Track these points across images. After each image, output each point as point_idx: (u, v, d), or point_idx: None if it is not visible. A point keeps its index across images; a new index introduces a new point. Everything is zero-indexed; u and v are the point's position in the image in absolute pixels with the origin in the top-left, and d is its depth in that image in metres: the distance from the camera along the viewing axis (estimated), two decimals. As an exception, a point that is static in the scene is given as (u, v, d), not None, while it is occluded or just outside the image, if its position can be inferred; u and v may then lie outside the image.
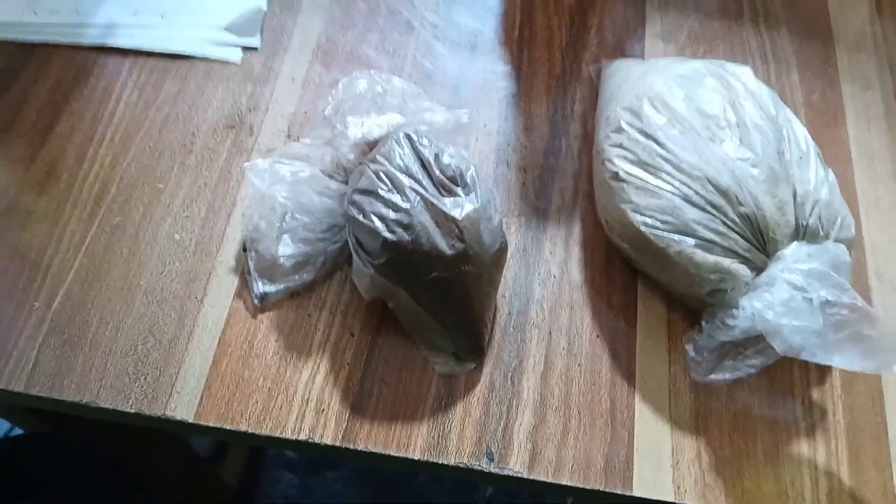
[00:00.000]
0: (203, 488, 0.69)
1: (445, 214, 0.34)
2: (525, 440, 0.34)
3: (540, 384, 0.36)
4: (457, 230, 0.34)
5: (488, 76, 0.46)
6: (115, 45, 0.45)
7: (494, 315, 0.37)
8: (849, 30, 0.51)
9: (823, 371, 0.38)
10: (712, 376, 0.36)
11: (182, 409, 0.34)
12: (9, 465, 0.63)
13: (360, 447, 0.34)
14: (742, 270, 0.35)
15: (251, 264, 0.37)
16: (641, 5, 0.49)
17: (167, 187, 0.40)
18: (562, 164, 0.43)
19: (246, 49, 0.45)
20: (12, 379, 0.34)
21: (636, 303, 0.39)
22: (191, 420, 0.34)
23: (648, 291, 0.39)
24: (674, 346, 0.37)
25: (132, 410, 0.34)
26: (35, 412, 0.68)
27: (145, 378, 0.35)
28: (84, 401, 0.34)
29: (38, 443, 0.70)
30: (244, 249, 0.38)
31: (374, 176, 0.35)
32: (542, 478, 0.34)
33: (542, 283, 0.39)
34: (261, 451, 0.78)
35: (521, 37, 0.47)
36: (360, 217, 0.34)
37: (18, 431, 0.81)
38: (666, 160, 0.36)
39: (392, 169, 0.35)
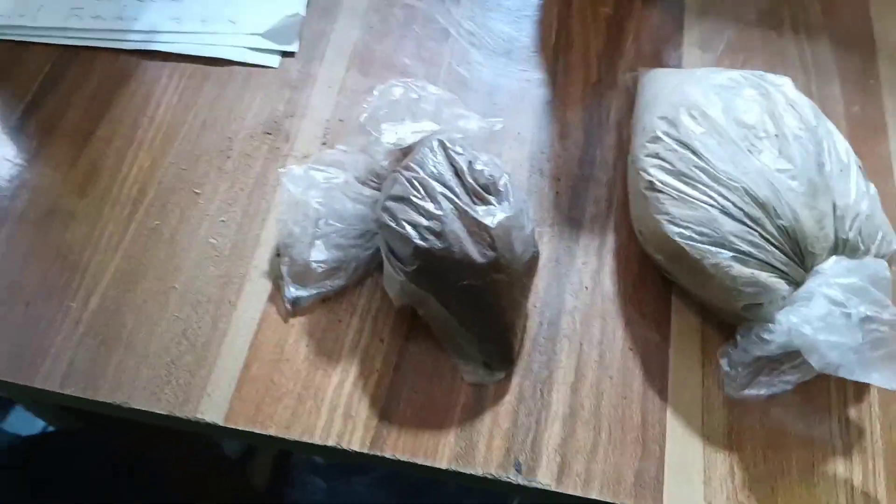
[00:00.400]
0: (231, 490, 0.70)
1: (478, 222, 0.34)
2: (554, 453, 0.34)
3: (570, 396, 0.35)
4: (489, 238, 0.34)
5: (523, 84, 0.45)
6: (156, 50, 0.46)
7: (525, 325, 0.37)
8: (891, 41, 0.49)
9: (861, 389, 0.37)
10: (747, 391, 0.35)
11: (212, 411, 0.34)
12: (43, 460, 0.64)
13: (388, 454, 0.34)
14: (779, 284, 0.34)
15: (284, 269, 0.37)
16: (679, 14, 0.49)
17: (204, 192, 0.41)
18: (596, 174, 0.42)
19: (284, 55, 0.46)
20: (48, 378, 0.35)
21: (670, 315, 0.38)
22: (221, 423, 0.34)
23: (682, 304, 0.38)
24: (707, 360, 0.37)
25: (164, 412, 0.34)
26: (67, 409, 0.69)
27: (177, 381, 0.35)
28: (117, 402, 0.34)
29: (70, 440, 0.71)
30: (278, 254, 0.38)
31: (407, 183, 0.35)
32: (570, 491, 0.33)
33: (574, 293, 0.38)
34: (289, 455, 0.79)
35: (558, 44, 0.47)
36: (393, 224, 0.34)
37: (51, 429, 0.83)
38: (703, 171, 0.36)
39: (425, 176, 0.35)
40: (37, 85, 0.45)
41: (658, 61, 0.47)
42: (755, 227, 0.34)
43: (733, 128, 0.36)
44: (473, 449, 0.34)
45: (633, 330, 0.38)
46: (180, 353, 0.36)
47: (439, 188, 0.35)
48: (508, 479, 0.33)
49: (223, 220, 0.40)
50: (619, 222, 0.41)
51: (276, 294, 0.38)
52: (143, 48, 0.46)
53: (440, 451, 0.34)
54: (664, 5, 0.49)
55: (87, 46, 0.46)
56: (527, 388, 0.36)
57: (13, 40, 0.46)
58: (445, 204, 0.34)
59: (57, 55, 0.46)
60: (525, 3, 0.49)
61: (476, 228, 0.34)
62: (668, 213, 0.36)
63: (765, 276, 0.34)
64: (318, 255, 0.38)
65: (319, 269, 0.38)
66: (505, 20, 0.48)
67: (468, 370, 0.36)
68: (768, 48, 0.48)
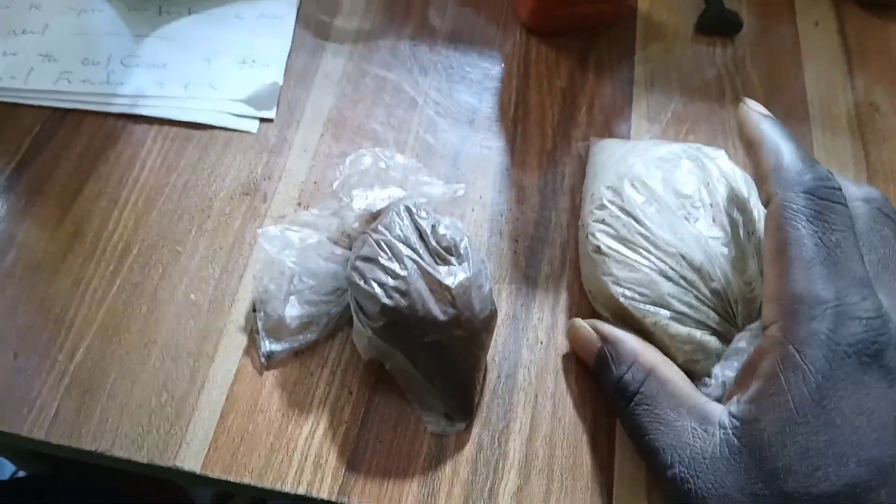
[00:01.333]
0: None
1: (440, 282, 0.37)
2: (510, 500, 0.37)
3: (525, 446, 0.38)
4: (450, 297, 0.37)
5: (484, 150, 0.49)
6: (141, 114, 0.49)
7: (484, 378, 0.40)
8: (825, 113, 0.54)
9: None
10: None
11: (190, 459, 0.36)
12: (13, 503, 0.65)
13: (355, 502, 0.36)
14: (713, 343, 0.38)
15: (260, 324, 0.40)
16: (629, 87, 0.53)
17: (185, 249, 0.43)
18: (551, 235, 0.46)
19: (262, 121, 0.49)
20: (34, 426, 0.37)
21: (617, 368, 0.41)
22: (198, 471, 0.36)
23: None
24: (651, 410, 0.40)
25: (144, 461, 0.36)
26: (37, 454, 0.70)
27: (157, 430, 0.37)
28: (100, 450, 0.37)
29: (40, 483, 0.72)
30: (254, 310, 0.41)
31: (375, 245, 0.38)
32: (524, 534, 0.36)
33: (530, 348, 0.42)
34: (263, 502, 0.80)
35: (516, 115, 0.51)
36: (362, 283, 0.37)
37: (22, 474, 0.83)
38: (644, 237, 0.39)
39: (392, 239, 0.38)
40: (26, 144, 0.47)
41: (608, 131, 0.51)
42: (691, 288, 0.38)
43: (671, 197, 0.40)
44: (435, 497, 0.37)
45: (584, 383, 0.41)
46: (161, 404, 0.38)
47: (405, 250, 0.38)
48: (467, 524, 0.36)
49: (202, 277, 0.42)
50: (571, 281, 0.44)
51: (252, 347, 0.40)
52: (129, 112, 0.49)
53: (404, 498, 0.36)
54: (615, 79, 0.54)
55: (75, 109, 0.49)
56: (485, 438, 0.38)
57: (4, 101, 0.49)
58: (410, 265, 0.37)
59: (46, 116, 0.48)
60: (487, 75, 0.53)
61: (438, 288, 0.37)
62: (613, 275, 0.39)
63: (699, 334, 0.37)
64: (292, 310, 0.40)
65: (293, 324, 0.40)
66: (468, 91, 0.52)
67: (431, 421, 0.39)
68: (711, 119, 0.53)
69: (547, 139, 0.50)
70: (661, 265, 0.38)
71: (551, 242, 0.46)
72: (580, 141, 0.50)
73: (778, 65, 0.56)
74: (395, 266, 0.37)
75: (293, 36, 0.53)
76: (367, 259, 0.38)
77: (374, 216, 0.40)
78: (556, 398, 0.40)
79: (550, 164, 0.49)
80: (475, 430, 0.39)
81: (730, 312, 0.38)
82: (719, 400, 0.37)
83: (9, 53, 0.51)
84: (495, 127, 0.50)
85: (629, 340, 0.37)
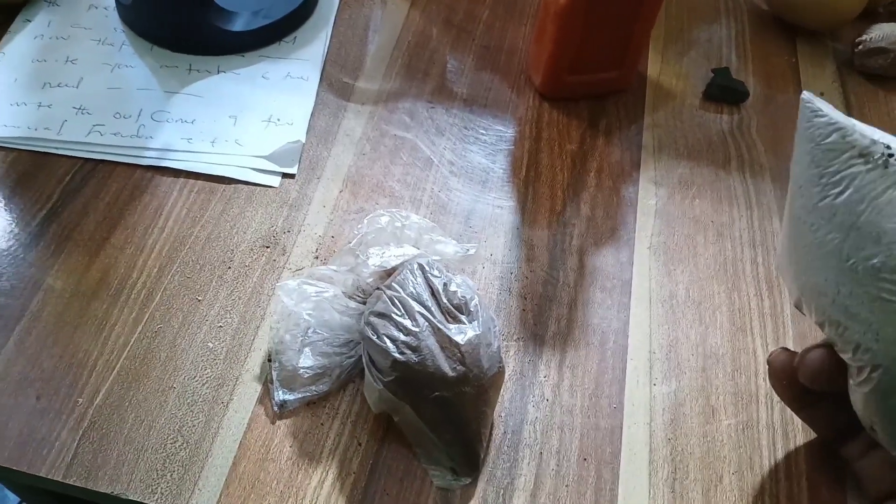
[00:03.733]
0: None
1: (450, 339, 0.38)
2: (512, 554, 0.37)
3: (529, 502, 0.39)
4: (459, 354, 0.38)
5: (496, 210, 0.51)
6: (169, 167, 0.51)
7: (490, 433, 0.41)
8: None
9: None
10: (688, 502, 0.39)
11: (202, 505, 0.37)
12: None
13: (361, 552, 0.37)
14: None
15: (274, 374, 0.41)
16: (637, 151, 0.55)
17: (205, 298, 0.45)
18: (559, 294, 0.47)
19: (284, 176, 0.51)
20: (53, 468, 0.38)
21: (622, 429, 0.42)
22: (209, 517, 0.37)
23: (632, 420, 0.42)
24: (654, 471, 0.41)
25: (158, 505, 0.37)
26: (44, 490, 0.71)
27: (171, 475, 0.38)
28: (115, 493, 0.38)
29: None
30: (269, 360, 0.42)
31: (389, 301, 0.40)
32: (526, 591, 0.36)
33: (536, 405, 0.43)
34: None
35: (528, 176, 0.53)
36: (374, 338, 0.39)
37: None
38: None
39: (405, 296, 0.40)
40: (58, 193, 0.49)
41: (617, 194, 0.52)
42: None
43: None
44: (439, 549, 0.37)
45: (588, 441, 0.41)
46: (175, 450, 0.39)
47: (417, 307, 0.39)
48: (470, 579, 0.36)
49: (221, 326, 0.44)
50: (577, 340, 0.45)
51: (266, 396, 0.42)
52: (157, 164, 0.51)
53: (408, 549, 0.37)
54: (623, 143, 0.56)
55: (106, 160, 0.51)
56: (490, 493, 0.39)
57: (38, 151, 0.52)
58: (422, 321, 0.39)
59: (78, 167, 0.51)
60: (500, 138, 0.55)
61: (448, 345, 0.38)
62: (618, 337, 0.40)
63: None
64: (306, 361, 0.42)
65: (306, 375, 0.42)
66: (482, 153, 0.54)
67: (437, 475, 0.39)
68: (717, 184, 0.54)
69: (557, 200, 0.52)
70: None
71: (559, 301, 0.47)
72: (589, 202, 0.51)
73: (783, 133, 0.58)
74: (407, 322, 0.39)
75: (316, 96, 0.56)
76: (380, 315, 0.39)
77: (389, 273, 0.42)
78: (561, 455, 0.41)
79: (560, 224, 0.50)
80: (480, 485, 0.40)
81: None
82: None
83: (44, 105, 0.54)
84: (507, 187, 0.52)
85: None
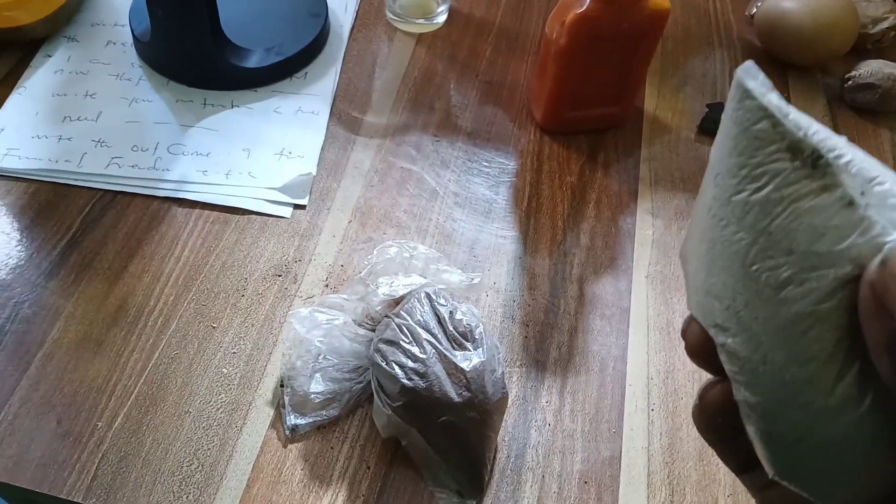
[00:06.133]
0: None
1: (456, 366, 0.40)
2: (516, 574, 0.39)
3: (531, 523, 0.41)
4: (465, 380, 0.40)
5: (499, 240, 0.53)
6: (185, 198, 0.53)
7: (495, 457, 0.43)
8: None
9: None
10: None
11: (218, 526, 0.39)
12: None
13: (370, 571, 0.38)
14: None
15: (286, 399, 0.43)
16: (635, 183, 0.57)
17: (220, 325, 0.47)
18: (560, 321, 0.49)
19: (296, 207, 0.53)
20: (73, 490, 0.40)
21: (621, 453, 0.44)
22: (224, 537, 0.39)
23: (632, 444, 0.44)
24: (652, 493, 0.42)
25: (175, 525, 0.39)
26: None
27: (187, 497, 0.40)
28: (134, 514, 0.39)
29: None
30: (281, 385, 0.44)
31: (397, 329, 0.41)
32: None
33: (539, 429, 0.44)
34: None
35: (529, 207, 0.55)
36: (383, 364, 0.40)
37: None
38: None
39: (413, 323, 0.41)
40: (78, 223, 0.51)
41: (615, 225, 0.54)
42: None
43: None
44: (445, 569, 0.39)
45: (589, 465, 0.43)
46: (191, 472, 0.41)
47: (424, 335, 0.41)
48: None
49: (235, 352, 0.46)
50: (577, 366, 0.47)
51: (278, 421, 0.43)
52: (173, 195, 0.53)
53: (416, 569, 0.38)
54: (621, 176, 0.58)
55: (124, 192, 0.53)
56: (494, 514, 0.41)
57: (59, 182, 0.54)
58: (429, 349, 0.40)
59: (97, 198, 0.53)
60: (502, 170, 0.57)
61: (454, 371, 0.40)
62: (617, 364, 0.42)
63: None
64: (317, 386, 0.43)
65: (317, 400, 0.43)
66: (485, 184, 0.56)
67: (443, 497, 0.41)
68: (711, 215, 0.56)
69: (557, 231, 0.54)
70: None
71: (560, 328, 0.49)
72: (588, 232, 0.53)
73: (775, 165, 0.60)
74: (415, 349, 0.40)
75: (327, 130, 0.58)
76: (389, 342, 0.41)
77: (397, 301, 0.44)
78: (563, 478, 0.42)
79: (560, 254, 0.52)
80: (485, 507, 0.41)
81: None
82: None
83: (64, 138, 0.56)
84: (510, 218, 0.54)
85: None
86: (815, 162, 0.25)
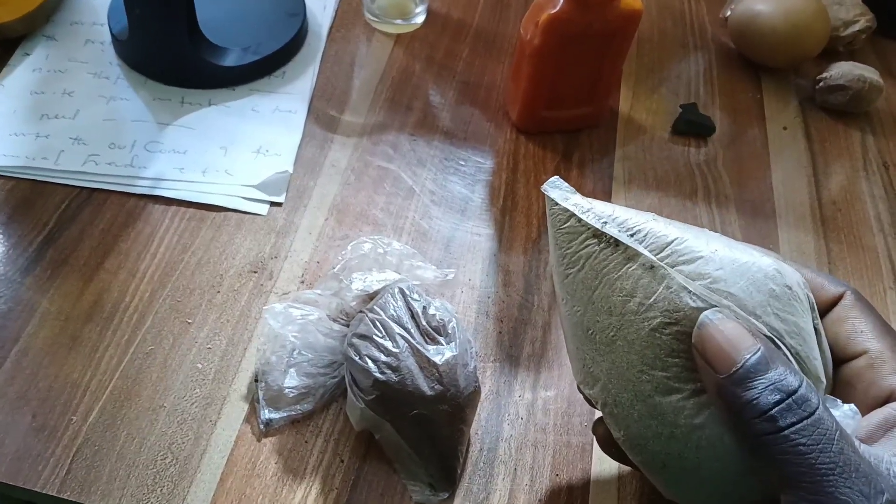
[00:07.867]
0: None
1: (428, 360, 0.41)
2: (486, 565, 0.39)
3: (502, 514, 0.41)
4: (437, 374, 0.40)
5: (475, 237, 0.53)
6: (161, 195, 0.53)
7: (467, 450, 0.43)
8: (791, 210, 0.59)
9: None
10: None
11: (191, 519, 0.39)
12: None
13: (342, 563, 0.38)
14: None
15: (260, 394, 0.43)
16: (609, 182, 0.58)
17: (195, 321, 0.47)
18: (533, 317, 0.50)
19: (272, 205, 0.54)
20: (47, 483, 0.40)
21: (592, 446, 0.44)
22: (197, 530, 0.39)
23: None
24: (622, 485, 0.43)
25: (148, 518, 0.39)
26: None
27: (161, 490, 0.40)
28: (107, 507, 0.39)
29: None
30: (255, 380, 0.44)
31: (370, 324, 0.42)
32: None
33: (511, 423, 0.45)
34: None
35: (505, 205, 0.56)
36: (357, 358, 0.41)
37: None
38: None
39: (386, 318, 0.42)
40: (54, 220, 0.51)
41: (589, 223, 0.55)
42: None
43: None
44: (417, 560, 0.39)
45: (560, 458, 0.44)
46: (165, 466, 0.41)
47: (397, 329, 0.41)
48: (446, 589, 0.38)
49: (210, 348, 0.46)
50: (550, 361, 0.47)
51: (252, 415, 0.43)
52: (150, 193, 0.53)
53: (388, 561, 0.39)
54: (596, 175, 0.58)
55: (101, 189, 0.53)
56: (465, 506, 0.41)
57: (35, 180, 0.54)
58: (402, 343, 0.41)
59: (74, 195, 0.53)
60: (479, 169, 0.58)
61: (427, 365, 0.40)
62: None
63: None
64: (291, 381, 0.44)
65: (291, 394, 0.44)
66: (461, 183, 0.57)
67: (416, 490, 0.41)
68: (684, 214, 0.57)
69: (532, 228, 0.54)
70: None
71: (533, 324, 0.49)
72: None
73: (748, 165, 0.62)
74: (388, 343, 0.41)
75: (304, 129, 0.59)
76: (362, 336, 0.42)
77: (371, 297, 0.44)
78: (535, 471, 0.43)
79: (535, 251, 0.53)
80: (457, 500, 0.41)
81: None
82: None
83: (41, 136, 0.56)
84: (485, 216, 0.55)
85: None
86: (616, 242, 0.32)
